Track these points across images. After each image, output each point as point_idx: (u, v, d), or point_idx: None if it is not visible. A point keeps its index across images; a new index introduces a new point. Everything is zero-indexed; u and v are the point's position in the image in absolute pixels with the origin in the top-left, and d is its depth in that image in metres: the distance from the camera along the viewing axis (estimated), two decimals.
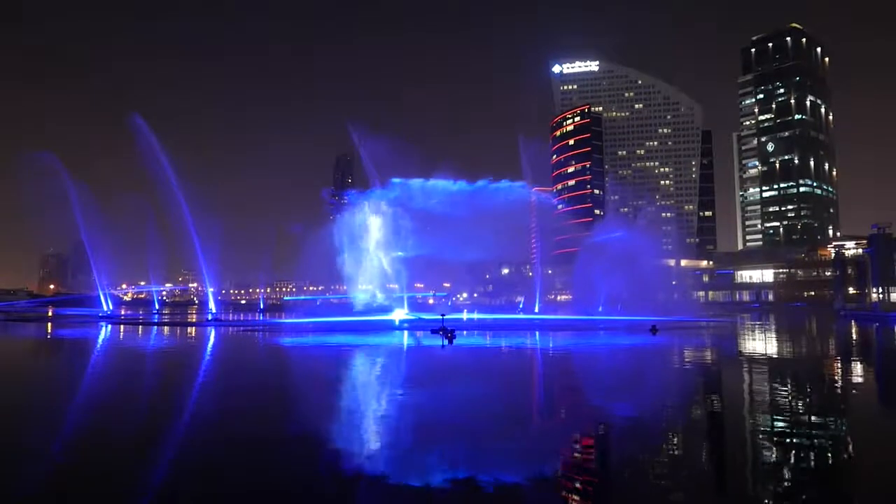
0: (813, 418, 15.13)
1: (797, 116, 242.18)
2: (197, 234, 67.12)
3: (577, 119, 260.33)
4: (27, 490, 9.18)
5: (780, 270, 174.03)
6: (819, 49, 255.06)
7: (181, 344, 42.11)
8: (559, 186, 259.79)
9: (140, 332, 52.94)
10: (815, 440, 12.66)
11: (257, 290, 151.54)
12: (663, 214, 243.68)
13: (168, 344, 41.90)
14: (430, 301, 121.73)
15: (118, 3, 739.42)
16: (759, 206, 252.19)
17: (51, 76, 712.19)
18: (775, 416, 14.87)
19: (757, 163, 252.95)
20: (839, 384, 21.71)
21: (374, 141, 74.30)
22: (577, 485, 9.63)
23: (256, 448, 11.43)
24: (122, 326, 60.55)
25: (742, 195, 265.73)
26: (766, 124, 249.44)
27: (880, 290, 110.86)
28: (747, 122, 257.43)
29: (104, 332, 52.49)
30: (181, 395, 18.83)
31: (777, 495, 9.09)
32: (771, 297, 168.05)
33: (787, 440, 12.49)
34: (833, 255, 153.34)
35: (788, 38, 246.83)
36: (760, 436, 12.98)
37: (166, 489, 9.21)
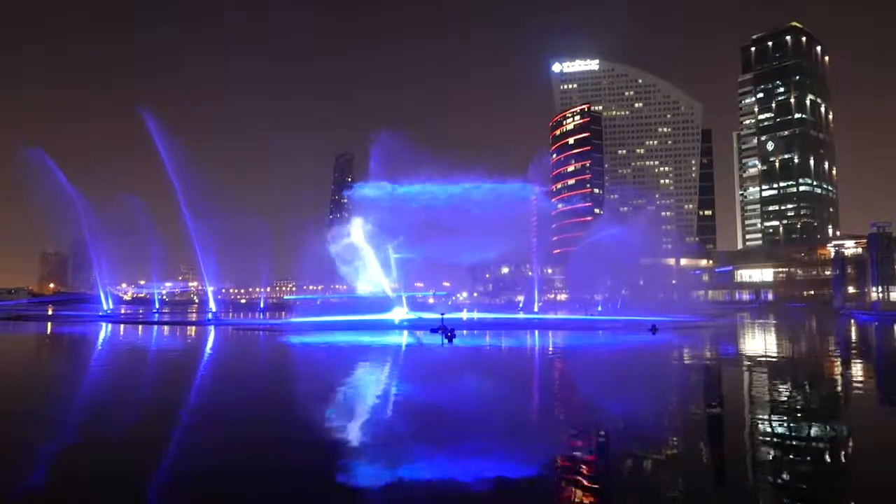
0: (813, 417, 15.17)
1: (797, 115, 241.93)
2: (196, 233, 67.16)
3: (576, 118, 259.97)
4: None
5: (780, 269, 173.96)
6: (819, 48, 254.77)
7: (182, 343, 42.13)
8: (559, 185, 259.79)
9: (140, 331, 52.96)
10: (816, 439, 12.71)
11: (257, 290, 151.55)
12: (663, 213, 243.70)
13: (169, 343, 41.93)
14: (430, 300, 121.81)
15: (117, 5, 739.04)
16: (758, 206, 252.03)
17: (52, 75, 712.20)
18: (775, 416, 14.92)
19: (757, 162, 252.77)
20: (839, 383, 21.77)
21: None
22: (566, 476, 9.70)
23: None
24: (122, 325, 60.60)
25: (742, 194, 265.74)
26: (765, 123, 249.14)
27: (880, 289, 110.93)
28: (747, 121, 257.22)
29: (104, 331, 52.51)
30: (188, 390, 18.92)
31: (777, 495, 9.14)
32: (771, 296, 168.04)
33: (788, 440, 12.54)
34: (833, 254, 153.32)
35: (788, 37, 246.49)
36: (761, 435, 13.04)
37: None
